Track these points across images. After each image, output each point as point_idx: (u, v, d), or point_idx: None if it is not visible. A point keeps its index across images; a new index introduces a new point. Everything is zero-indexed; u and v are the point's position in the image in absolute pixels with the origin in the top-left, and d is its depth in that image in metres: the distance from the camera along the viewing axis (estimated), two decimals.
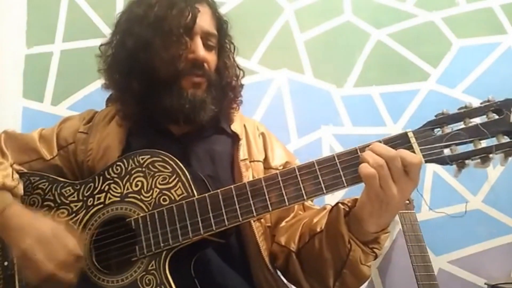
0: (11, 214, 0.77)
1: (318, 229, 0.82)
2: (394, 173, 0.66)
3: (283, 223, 0.92)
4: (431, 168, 1.58)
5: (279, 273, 0.91)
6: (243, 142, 0.94)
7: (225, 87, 0.97)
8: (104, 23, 1.59)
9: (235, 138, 0.95)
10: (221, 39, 0.98)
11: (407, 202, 1.45)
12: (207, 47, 0.92)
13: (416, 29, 1.70)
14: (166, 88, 0.88)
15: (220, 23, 0.98)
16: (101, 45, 0.98)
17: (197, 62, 0.89)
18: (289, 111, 1.63)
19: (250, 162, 0.93)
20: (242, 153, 0.92)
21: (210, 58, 0.93)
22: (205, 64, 0.90)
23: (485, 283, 1.49)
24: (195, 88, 0.90)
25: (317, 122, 1.62)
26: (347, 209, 0.77)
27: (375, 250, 0.78)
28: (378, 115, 1.64)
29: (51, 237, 0.74)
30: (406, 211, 1.42)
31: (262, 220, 0.90)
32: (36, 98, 1.58)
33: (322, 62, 1.67)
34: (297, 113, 1.63)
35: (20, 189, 0.84)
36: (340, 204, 0.78)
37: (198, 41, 0.89)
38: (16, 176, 0.85)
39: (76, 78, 1.58)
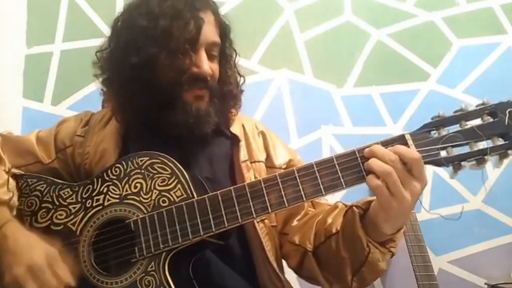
0: (8, 234, 0.76)
1: (334, 230, 0.82)
2: (400, 175, 0.66)
3: (295, 222, 0.92)
4: (431, 169, 1.58)
5: (287, 272, 0.91)
6: (242, 143, 0.94)
7: (227, 95, 0.96)
8: (104, 23, 1.59)
9: (234, 140, 0.95)
10: (223, 46, 0.97)
11: None
12: (210, 57, 0.90)
13: (416, 29, 1.70)
14: (169, 102, 0.87)
15: (223, 29, 0.96)
16: (98, 51, 0.96)
17: (201, 76, 0.87)
18: (289, 111, 1.63)
19: (251, 163, 0.92)
20: (243, 154, 0.92)
21: (214, 68, 0.91)
22: (209, 78, 0.89)
23: (485, 283, 1.49)
24: (198, 101, 0.88)
25: (317, 122, 1.62)
26: (361, 212, 0.77)
27: (391, 249, 0.78)
28: (378, 115, 1.64)
29: (44, 266, 0.73)
30: None
31: (266, 220, 0.90)
32: (36, 98, 1.58)
33: (322, 62, 1.67)
34: (297, 113, 1.63)
35: (15, 201, 0.84)
36: (354, 208, 0.78)
37: (203, 55, 0.87)
38: (12, 184, 0.85)
39: (76, 78, 1.58)
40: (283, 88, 1.65)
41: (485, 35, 1.69)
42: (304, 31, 1.69)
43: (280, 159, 0.97)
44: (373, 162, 0.68)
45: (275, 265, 0.86)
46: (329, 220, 0.84)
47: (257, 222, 0.86)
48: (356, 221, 0.76)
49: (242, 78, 1.03)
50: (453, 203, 1.56)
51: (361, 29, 1.70)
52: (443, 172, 1.57)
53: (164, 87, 0.87)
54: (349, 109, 1.64)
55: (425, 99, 1.64)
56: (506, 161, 0.67)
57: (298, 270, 0.91)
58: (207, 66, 0.88)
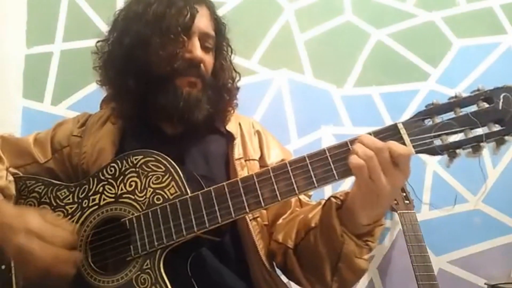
0: None
1: (313, 224, 0.82)
2: (383, 164, 0.66)
3: (280, 220, 0.93)
4: (431, 168, 1.58)
5: (278, 271, 0.92)
6: (238, 141, 0.95)
7: (221, 88, 0.97)
8: (104, 23, 1.59)
9: (229, 137, 0.96)
10: (218, 41, 0.98)
11: (407, 202, 1.45)
12: (204, 49, 0.92)
13: (416, 29, 1.70)
14: (162, 86, 0.89)
15: (218, 25, 0.98)
16: (98, 41, 0.98)
17: (194, 61, 0.89)
18: (289, 111, 1.63)
19: (246, 161, 0.93)
20: (237, 152, 0.93)
21: (207, 59, 0.93)
22: (201, 65, 0.91)
23: (485, 283, 1.49)
24: (190, 87, 0.90)
25: (317, 122, 1.62)
26: (339, 202, 0.77)
27: (368, 243, 0.78)
28: (378, 115, 1.64)
29: (43, 225, 0.74)
30: (406, 211, 1.42)
31: (258, 218, 0.91)
32: (36, 98, 1.58)
33: (322, 62, 1.67)
34: (297, 113, 1.63)
35: (11, 189, 0.85)
36: (332, 198, 0.78)
37: (196, 41, 0.90)
38: (10, 178, 0.86)
39: (76, 78, 1.58)
40: (283, 88, 1.65)
41: (485, 35, 1.69)
42: (304, 31, 1.69)
43: (272, 158, 0.98)
44: (358, 146, 0.68)
45: (267, 263, 0.87)
46: (310, 215, 0.85)
47: (250, 220, 0.87)
48: (332, 211, 0.76)
49: (238, 75, 1.03)
50: (453, 203, 1.56)
51: (361, 29, 1.70)
52: (443, 172, 1.57)
53: (157, 72, 0.89)
54: (349, 109, 1.64)
55: (425, 99, 1.63)
56: (504, 148, 0.65)
57: (283, 270, 0.91)
58: (200, 52, 0.90)
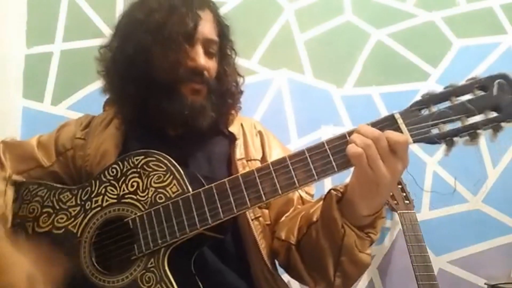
0: None
1: (314, 219, 0.82)
2: (381, 152, 0.66)
3: (283, 218, 0.93)
4: (431, 168, 1.58)
5: (279, 271, 0.92)
6: (239, 142, 0.95)
7: (225, 93, 0.97)
8: (104, 23, 1.59)
9: (231, 138, 0.96)
10: (222, 45, 0.97)
11: (407, 202, 1.45)
12: (208, 54, 0.92)
13: (416, 29, 1.70)
14: (166, 94, 0.89)
15: (222, 28, 0.98)
16: (101, 47, 0.98)
17: (197, 70, 0.89)
18: (289, 111, 1.63)
19: (247, 161, 0.93)
20: (239, 152, 0.93)
21: (211, 65, 0.93)
22: (205, 72, 0.90)
23: (485, 283, 1.49)
24: (195, 94, 0.90)
25: (317, 122, 1.62)
26: (339, 194, 0.77)
27: (370, 234, 0.78)
28: (378, 115, 1.61)
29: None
30: (406, 211, 1.42)
31: (260, 218, 0.91)
32: (36, 98, 1.58)
33: (322, 62, 1.67)
34: (297, 113, 1.63)
35: (10, 195, 0.86)
36: (332, 191, 0.78)
37: (199, 49, 0.89)
38: (10, 194, 0.87)
39: (76, 78, 1.58)
40: (283, 88, 1.65)
41: (485, 35, 1.69)
42: (304, 31, 1.69)
43: (274, 158, 0.97)
44: (356, 135, 0.68)
45: (269, 263, 0.87)
46: (311, 211, 0.85)
47: (252, 220, 0.87)
48: (332, 203, 0.76)
49: (241, 79, 1.03)
50: (453, 203, 1.56)
51: (361, 29, 1.70)
52: (443, 172, 1.57)
53: (161, 80, 0.89)
54: (349, 109, 1.64)
55: None
56: (503, 144, 0.65)
57: (286, 268, 0.91)
58: (203, 60, 0.89)
